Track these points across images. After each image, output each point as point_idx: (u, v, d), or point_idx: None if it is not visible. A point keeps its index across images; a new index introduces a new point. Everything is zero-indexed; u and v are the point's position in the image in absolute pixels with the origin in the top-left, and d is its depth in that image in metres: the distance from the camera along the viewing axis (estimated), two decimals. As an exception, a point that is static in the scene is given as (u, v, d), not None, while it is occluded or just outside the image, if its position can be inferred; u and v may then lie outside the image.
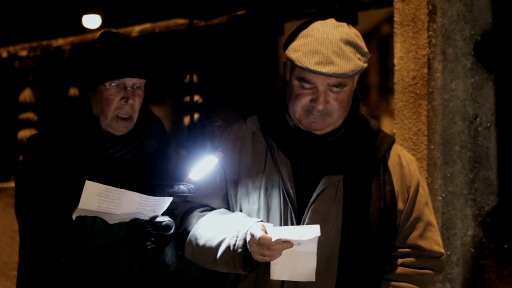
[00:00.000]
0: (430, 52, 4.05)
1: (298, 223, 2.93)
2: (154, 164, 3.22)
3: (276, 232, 2.78)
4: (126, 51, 3.16)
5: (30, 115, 7.17)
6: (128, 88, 3.15)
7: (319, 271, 2.84)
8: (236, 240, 2.84)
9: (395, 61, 4.17)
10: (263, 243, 2.77)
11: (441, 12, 4.05)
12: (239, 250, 2.83)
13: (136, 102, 3.17)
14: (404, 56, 4.13)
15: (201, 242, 2.95)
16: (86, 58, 3.18)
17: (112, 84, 3.14)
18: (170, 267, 3.15)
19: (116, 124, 3.16)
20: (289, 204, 2.94)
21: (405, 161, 3.07)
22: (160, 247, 3.05)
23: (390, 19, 4.56)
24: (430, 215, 3.07)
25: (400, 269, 3.01)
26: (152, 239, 3.02)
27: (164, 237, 3.02)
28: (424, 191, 3.07)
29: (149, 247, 3.03)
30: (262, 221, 2.87)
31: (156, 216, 3.02)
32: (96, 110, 3.19)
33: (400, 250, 3.03)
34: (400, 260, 3.02)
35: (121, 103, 3.15)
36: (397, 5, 4.17)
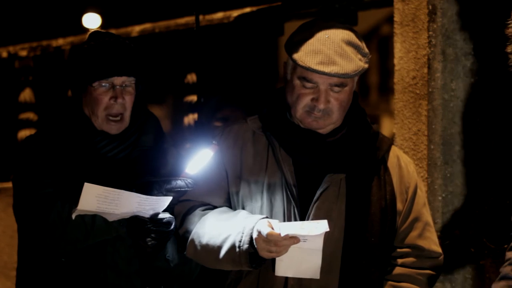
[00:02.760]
0: (430, 52, 4.05)
1: (302, 220, 2.94)
2: (151, 160, 3.22)
3: (284, 228, 2.79)
4: (112, 50, 3.15)
5: (30, 115, 7.16)
6: (117, 87, 3.15)
7: (322, 268, 2.86)
8: (242, 237, 2.85)
9: (395, 61, 4.17)
10: (270, 239, 2.78)
11: (441, 12, 4.05)
12: (245, 246, 2.83)
13: (127, 100, 3.16)
14: (404, 56, 4.13)
15: (204, 240, 2.96)
16: (74, 60, 3.18)
17: (102, 84, 3.14)
18: (170, 263, 3.15)
19: (107, 125, 3.17)
20: (292, 201, 2.96)
21: (403, 163, 3.09)
22: (161, 243, 3.05)
23: (390, 19, 4.56)
24: (428, 216, 3.09)
25: (400, 269, 3.02)
26: (152, 235, 3.02)
27: (165, 233, 3.03)
28: (422, 192, 3.10)
29: (149, 243, 3.03)
30: (266, 217, 2.88)
31: (157, 213, 3.02)
32: (87, 111, 3.19)
33: (399, 250, 3.04)
34: (399, 260, 3.03)
35: (110, 103, 3.15)
36: (397, 5, 4.17)
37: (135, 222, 3.03)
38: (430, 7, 4.05)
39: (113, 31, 5.48)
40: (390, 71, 4.51)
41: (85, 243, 3.07)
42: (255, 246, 2.82)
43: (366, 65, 2.98)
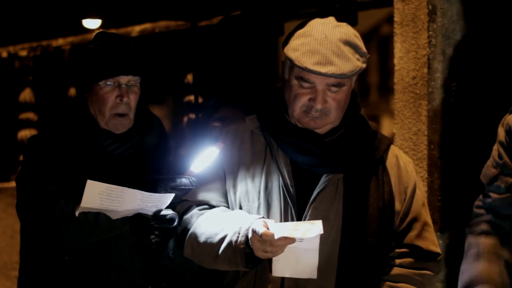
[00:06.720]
0: (430, 52, 4.05)
1: (299, 221, 2.94)
2: (154, 158, 3.24)
3: (279, 228, 2.78)
4: (118, 49, 3.18)
5: (30, 115, 7.18)
6: (123, 86, 3.17)
7: (319, 269, 2.85)
8: (238, 237, 2.85)
9: (395, 61, 4.17)
10: (265, 239, 2.77)
11: (441, 12, 4.06)
12: (241, 246, 2.83)
13: (132, 100, 3.19)
14: (404, 56, 4.13)
15: (201, 239, 2.96)
16: (80, 59, 3.20)
17: (108, 83, 3.16)
18: (173, 261, 3.16)
19: (113, 121, 3.19)
20: (289, 202, 2.95)
21: (402, 162, 3.08)
22: (164, 240, 3.06)
23: (390, 19, 4.56)
24: (426, 216, 3.08)
25: (398, 270, 3.01)
26: (156, 232, 3.03)
27: (168, 230, 3.04)
28: (421, 192, 3.09)
29: (153, 240, 3.04)
30: (263, 217, 2.88)
31: (160, 210, 3.03)
32: (93, 110, 3.21)
33: (397, 250, 3.04)
34: (398, 261, 3.02)
35: (116, 102, 3.17)
36: (397, 5, 4.17)
37: (138, 219, 3.04)
38: (430, 7, 4.06)
39: (113, 31, 5.50)
40: (390, 71, 4.52)
41: (88, 241, 3.08)
42: (251, 246, 2.82)
43: (364, 65, 2.97)
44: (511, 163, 2.98)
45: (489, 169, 3.07)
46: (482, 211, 3.08)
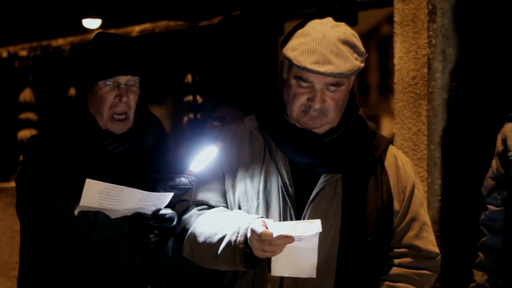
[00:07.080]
0: (430, 52, 4.06)
1: (298, 220, 2.94)
2: (154, 158, 3.25)
3: (277, 227, 2.78)
4: (117, 49, 3.19)
5: (30, 115, 7.19)
6: (122, 86, 3.18)
7: (318, 268, 2.85)
8: (237, 236, 2.85)
9: (395, 61, 4.17)
10: (264, 238, 2.77)
11: (441, 12, 4.06)
12: (240, 246, 2.83)
13: (131, 100, 3.19)
14: (404, 56, 4.13)
15: (200, 239, 2.96)
16: (80, 59, 3.21)
17: (107, 83, 3.17)
18: (173, 260, 3.16)
19: (112, 125, 3.19)
20: (288, 202, 2.95)
21: (401, 162, 3.08)
22: (164, 240, 3.07)
23: (390, 19, 4.57)
24: (425, 216, 3.08)
25: (397, 270, 3.02)
26: (155, 231, 3.03)
27: (167, 229, 3.04)
28: (419, 192, 3.09)
29: (152, 240, 3.04)
30: (262, 217, 2.88)
31: (160, 209, 3.03)
32: (92, 110, 3.22)
33: (396, 250, 3.04)
34: (396, 261, 3.03)
35: (115, 101, 3.18)
36: (397, 5, 4.17)
37: (137, 219, 3.04)
38: (430, 7, 4.06)
39: (113, 31, 5.51)
40: (390, 71, 4.52)
41: (88, 240, 3.08)
42: (250, 246, 2.82)
43: (362, 65, 2.97)
44: (503, 171, 3.01)
45: (487, 181, 3.11)
46: (483, 228, 3.15)
